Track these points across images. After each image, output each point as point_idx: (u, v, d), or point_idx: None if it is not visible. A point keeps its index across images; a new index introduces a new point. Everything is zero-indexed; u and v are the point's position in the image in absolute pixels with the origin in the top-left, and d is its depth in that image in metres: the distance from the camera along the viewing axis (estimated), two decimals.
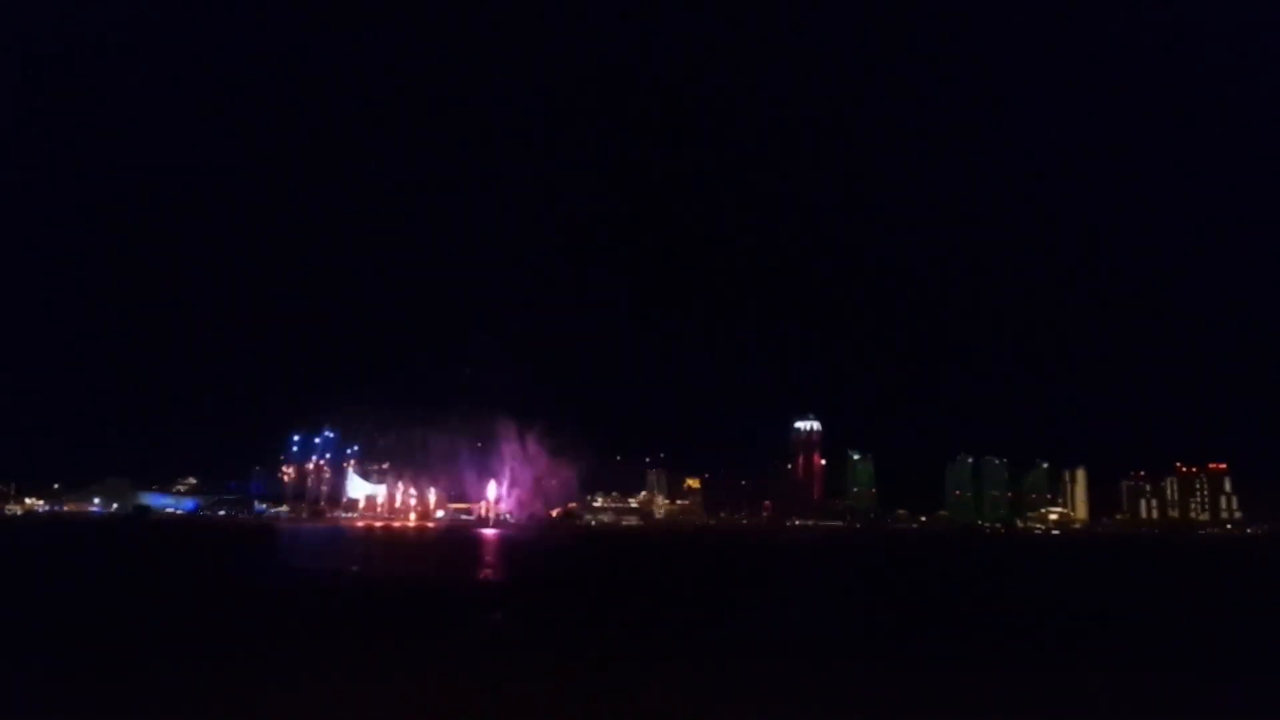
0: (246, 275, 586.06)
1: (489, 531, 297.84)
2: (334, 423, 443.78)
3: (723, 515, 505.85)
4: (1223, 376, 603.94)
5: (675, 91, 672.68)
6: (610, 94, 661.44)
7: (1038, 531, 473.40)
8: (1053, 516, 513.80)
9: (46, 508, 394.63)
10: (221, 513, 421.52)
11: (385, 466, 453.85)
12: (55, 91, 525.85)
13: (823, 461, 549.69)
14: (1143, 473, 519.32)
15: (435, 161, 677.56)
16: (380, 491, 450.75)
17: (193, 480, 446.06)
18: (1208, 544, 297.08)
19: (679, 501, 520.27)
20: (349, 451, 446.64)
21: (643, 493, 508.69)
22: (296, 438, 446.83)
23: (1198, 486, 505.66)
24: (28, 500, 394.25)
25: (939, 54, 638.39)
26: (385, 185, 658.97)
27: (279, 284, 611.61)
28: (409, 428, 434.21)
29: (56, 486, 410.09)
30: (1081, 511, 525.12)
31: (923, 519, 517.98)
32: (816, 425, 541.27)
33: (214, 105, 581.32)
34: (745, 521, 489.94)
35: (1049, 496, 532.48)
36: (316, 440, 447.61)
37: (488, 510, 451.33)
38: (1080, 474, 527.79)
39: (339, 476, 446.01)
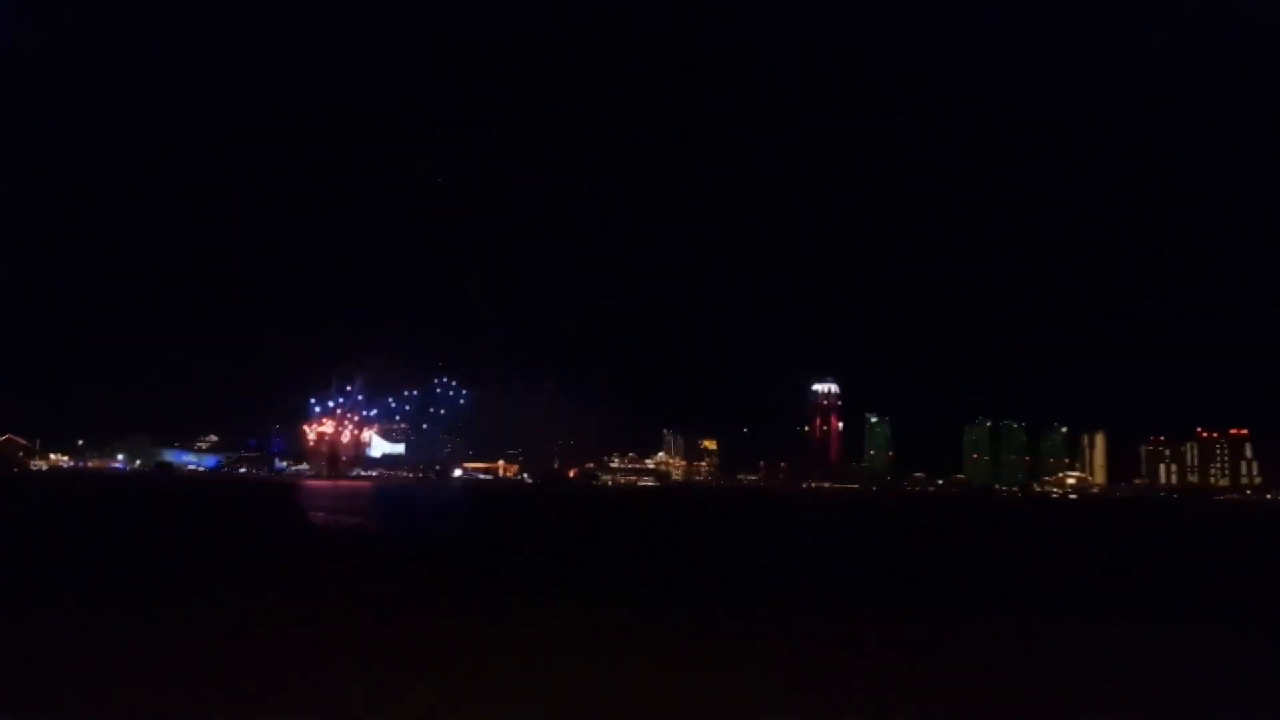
0: (268, 233, 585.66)
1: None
2: (355, 380, 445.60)
3: (739, 477, 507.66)
4: (1245, 341, 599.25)
5: (695, 45, 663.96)
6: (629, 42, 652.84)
7: (1055, 495, 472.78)
8: (1070, 481, 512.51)
9: (70, 463, 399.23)
10: (242, 470, 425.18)
11: (405, 425, 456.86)
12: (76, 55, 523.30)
13: (840, 424, 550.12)
14: (1162, 437, 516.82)
15: (456, 110, 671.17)
16: (401, 449, 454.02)
17: (214, 437, 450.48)
18: (1219, 509, 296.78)
19: (695, 462, 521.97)
20: (370, 409, 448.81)
21: (659, 453, 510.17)
22: (317, 395, 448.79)
23: (1218, 452, 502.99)
24: (52, 456, 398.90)
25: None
26: (405, 140, 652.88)
27: (300, 241, 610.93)
28: (430, 386, 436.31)
29: (81, 443, 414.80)
30: (1100, 476, 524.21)
31: (939, 482, 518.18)
32: (834, 387, 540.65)
33: (234, 73, 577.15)
34: (761, 483, 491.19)
35: (1067, 461, 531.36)
36: (338, 398, 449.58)
37: (505, 470, 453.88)
38: (1099, 438, 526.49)
39: (360, 435, 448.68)
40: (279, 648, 23.77)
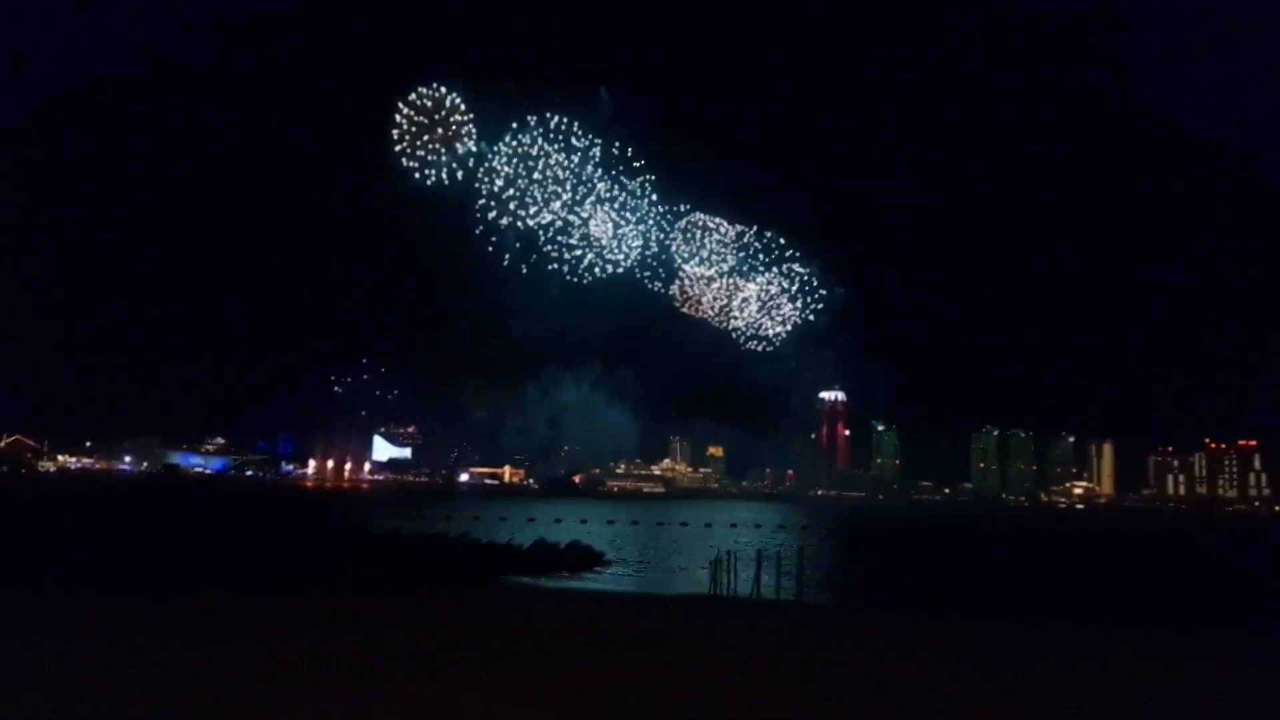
0: (277, 235, 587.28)
1: None
2: (364, 383, 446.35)
3: (744, 484, 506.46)
4: (1253, 352, 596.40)
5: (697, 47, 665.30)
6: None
7: (1061, 505, 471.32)
8: (1078, 490, 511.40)
9: (78, 464, 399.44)
10: (249, 472, 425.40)
11: (411, 429, 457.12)
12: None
13: (847, 432, 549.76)
14: (1170, 448, 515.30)
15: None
16: (407, 453, 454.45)
17: (221, 440, 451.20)
18: (1228, 520, 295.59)
19: (701, 469, 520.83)
20: (379, 411, 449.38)
21: (665, 460, 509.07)
22: (327, 396, 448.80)
23: (1226, 463, 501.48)
24: (60, 457, 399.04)
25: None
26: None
27: (310, 243, 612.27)
28: (437, 391, 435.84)
29: (89, 444, 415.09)
30: (1107, 486, 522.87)
31: (946, 491, 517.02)
32: (841, 395, 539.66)
33: (241, 69, 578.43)
34: (768, 490, 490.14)
35: (1074, 470, 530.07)
36: (346, 401, 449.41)
37: (511, 475, 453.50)
38: (1106, 448, 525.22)
39: (366, 438, 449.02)
40: None
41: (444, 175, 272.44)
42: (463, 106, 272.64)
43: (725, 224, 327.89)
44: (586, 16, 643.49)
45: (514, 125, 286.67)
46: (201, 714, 17.17)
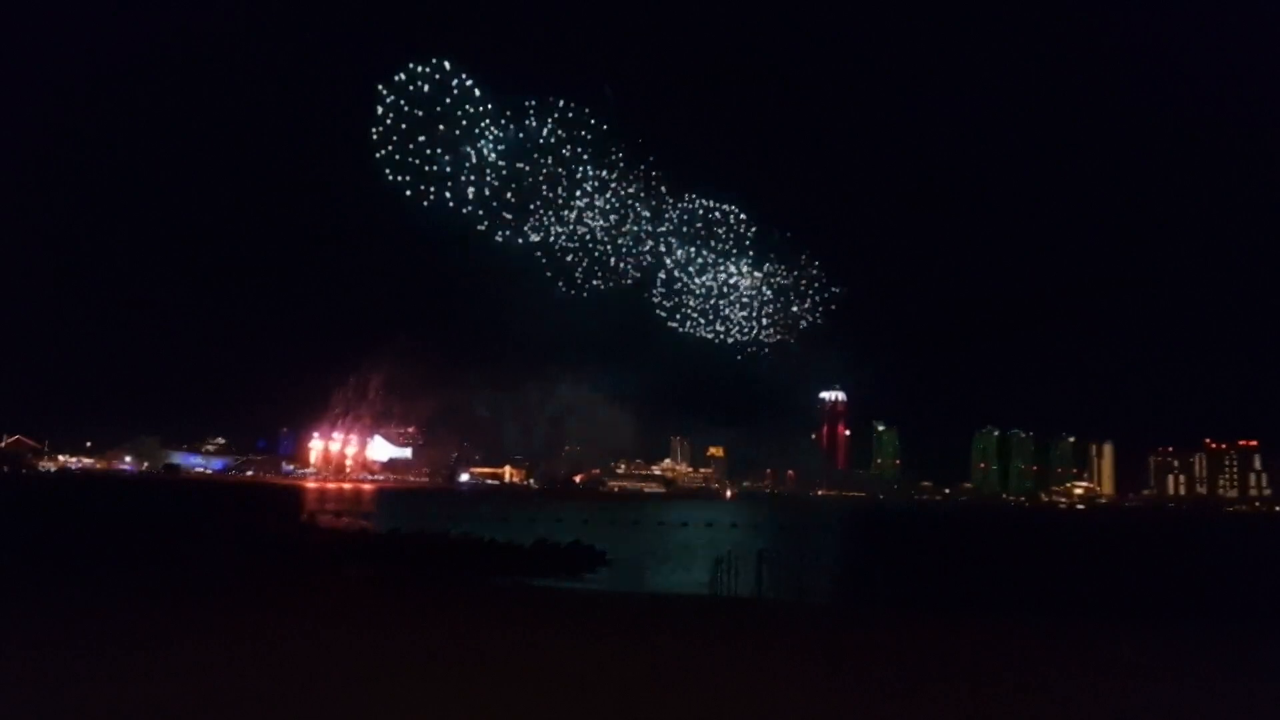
0: (279, 236, 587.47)
1: None
2: (365, 383, 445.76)
3: (745, 484, 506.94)
4: (1254, 352, 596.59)
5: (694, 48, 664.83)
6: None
7: (1062, 505, 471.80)
8: (1078, 491, 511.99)
9: (79, 464, 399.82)
10: (249, 472, 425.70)
11: (411, 429, 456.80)
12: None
13: (847, 432, 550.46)
14: (1170, 448, 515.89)
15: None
16: (407, 453, 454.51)
17: (221, 440, 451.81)
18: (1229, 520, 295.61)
19: (701, 470, 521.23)
20: (381, 411, 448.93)
21: (665, 460, 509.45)
22: (327, 396, 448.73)
23: (1226, 463, 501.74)
24: (60, 457, 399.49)
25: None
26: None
27: (312, 242, 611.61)
28: (437, 391, 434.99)
29: (89, 444, 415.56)
30: (1108, 486, 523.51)
31: (946, 491, 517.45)
32: (842, 395, 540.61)
33: (243, 68, 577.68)
34: (769, 490, 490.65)
35: (1075, 470, 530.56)
36: (347, 401, 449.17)
37: (512, 475, 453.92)
38: (1107, 448, 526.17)
39: (366, 438, 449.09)
40: None
41: (446, 183, 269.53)
42: (477, 92, 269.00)
43: (734, 211, 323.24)
44: (586, 15, 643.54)
45: (508, 113, 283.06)
46: (199, 713, 17.22)
